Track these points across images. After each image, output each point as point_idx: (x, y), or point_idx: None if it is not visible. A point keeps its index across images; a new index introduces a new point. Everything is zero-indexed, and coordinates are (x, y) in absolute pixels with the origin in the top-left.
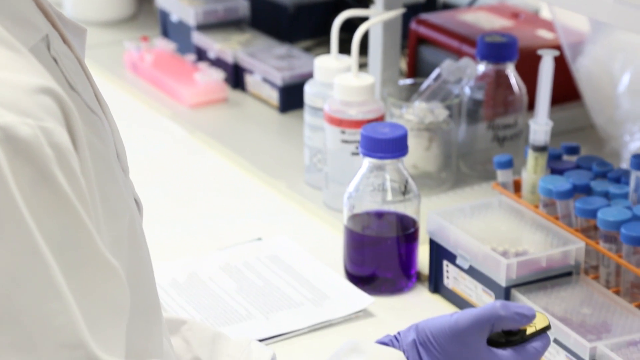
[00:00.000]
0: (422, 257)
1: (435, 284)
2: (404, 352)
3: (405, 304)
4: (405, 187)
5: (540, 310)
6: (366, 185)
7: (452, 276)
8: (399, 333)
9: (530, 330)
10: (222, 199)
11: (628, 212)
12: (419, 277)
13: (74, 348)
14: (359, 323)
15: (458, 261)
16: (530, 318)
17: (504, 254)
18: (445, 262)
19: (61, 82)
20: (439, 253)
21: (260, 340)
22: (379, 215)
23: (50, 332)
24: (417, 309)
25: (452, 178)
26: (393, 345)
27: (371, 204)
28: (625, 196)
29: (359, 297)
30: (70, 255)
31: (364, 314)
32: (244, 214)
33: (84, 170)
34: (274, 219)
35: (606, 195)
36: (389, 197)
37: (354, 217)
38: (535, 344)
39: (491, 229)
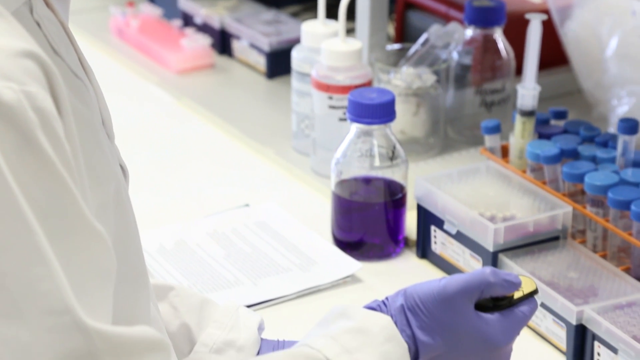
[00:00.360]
0: (410, 223)
1: (423, 249)
2: (392, 317)
3: (393, 270)
4: (393, 152)
5: (527, 274)
6: (354, 151)
7: (439, 241)
8: (387, 298)
9: (517, 294)
10: (209, 165)
11: (615, 176)
12: (406, 242)
13: (60, 313)
14: (347, 289)
15: (446, 226)
16: (517, 285)
17: (492, 219)
18: (432, 228)
19: (44, 47)
20: (426, 218)
21: (248, 306)
22: (367, 181)
23: (36, 298)
24: (405, 274)
25: (440, 143)
26: (381, 311)
27: (359, 170)
28: (612, 160)
29: (347, 263)
30: (56, 221)
31: (351, 279)
32: (231, 181)
33: (68, 136)
34: (261, 185)
35: (593, 159)
36: (377, 162)
37: (341, 183)
38: (523, 308)
39: (479, 194)
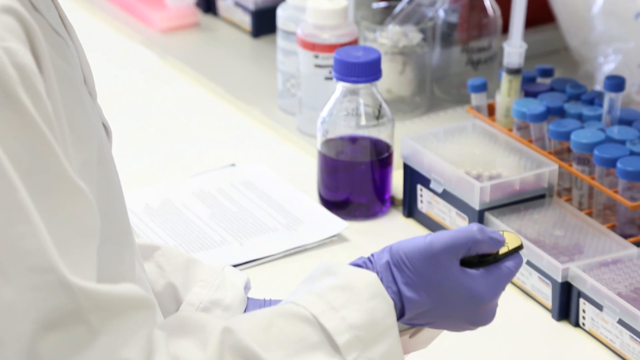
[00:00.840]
0: (396, 182)
1: (409, 208)
2: (377, 273)
3: (379, 229)
4: (379, 111)
5: (512, 231)
6: (340, 110)
7: (426, 200)
8: (372, 255)
9: (502, 250)
10: (194, 125)
11: (601, 134)
12: (393, 201)
13: (44, 271)
14: (333, 248)
15: (432, 185)
16: (503, 243)
17: (478, 177)
18: (419, 187)
19: (24, 3)
20: (412, 177)
21: (235, 266)
22: (353, 140)
23: (19, 256)
24: (391, 233)
25: (426, 102)
26: (366, 267)
27: (345, 129)
28: (598, 118)
29: (333, 222)
30: (38, 178)
31: (338, 238)
32: (217, 140)
33: (49, 92)
34: (247, 145)
35: (580, 117)
36: (363, 121)
37: (327, 142)
38: (508, 264)
39: (465, 153)
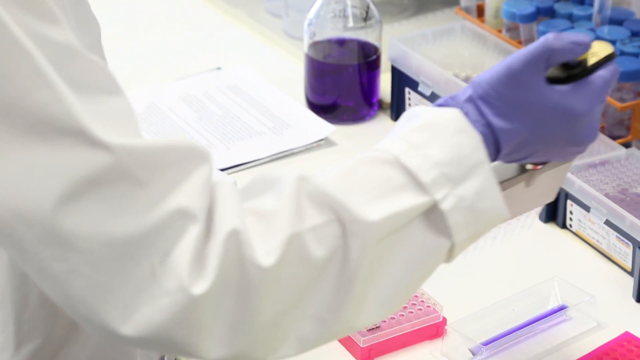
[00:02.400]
0: (384, 85)
1: (397, 111)
2: (461, 109)
3: (367, 133)
4: (367, 13)
5: (603, 40)
6: (327, 12)
7: (414, 103)
8: (453, 94)
9: (592, 60)
10: (179, 28)
11: (591, 34)
12: (380, 105)
13: (74, 134)
14: (321, 152)
15: (420, 88)
16: (586, 46)
17: (466, 79)
18: (407, 90)
19: None
20: (400, 80)
21: (222, 170)
22: (340, 42)
23: (49, 120)
24: (379, 137)
25: (415, 4)
26: (448, 105)
27: (332, 31)
28: (589, 18)
29: (321, 126)
30: (53, 49)
31: (325, 142)
32: (202, 43)
33: None
34: (233, 48)
35: (570, 17)
36: (350, 23)
37: (314, 45)
38: (600, 73)
39: (454, 55)
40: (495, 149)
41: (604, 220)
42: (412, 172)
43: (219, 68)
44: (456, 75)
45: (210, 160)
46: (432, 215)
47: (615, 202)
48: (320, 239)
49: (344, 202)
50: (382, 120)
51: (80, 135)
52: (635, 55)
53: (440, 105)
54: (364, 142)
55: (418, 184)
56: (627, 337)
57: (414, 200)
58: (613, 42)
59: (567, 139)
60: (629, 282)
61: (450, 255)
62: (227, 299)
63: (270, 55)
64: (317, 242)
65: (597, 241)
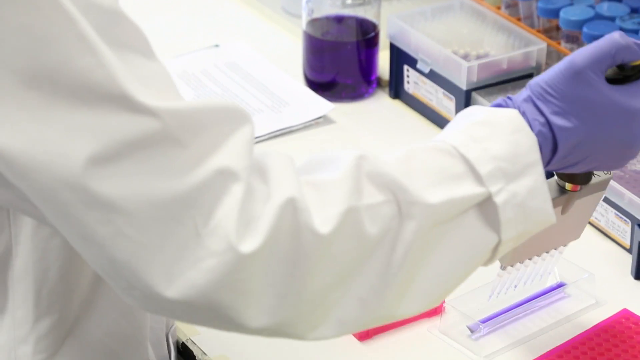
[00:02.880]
0: (383, 63)
1: (396, 89)
2: (518, 109)
3: (366, 110)
4: None
5: None
6: None
7: (412, 81)
8: (511, 96)
9: None
10: (177, 5)
11: (591, 10)
12: (379, 82)
13: (117, 99)
14: (319, 129)
15: (419, 65)
16: None
17: (465, 56)
18: (405, 67)
19: None
20: (399, 58)
21: None
22: (339, 19)
23: (92, 86)
24: (378, 114)
25: None
26: (507, 106)
27: (331, 8)
28: None
29: (319, 104)
30: (97, 11)
31: (324, 120)
32: (199, 21)
33: None
34: (230, 25)
35: None
36: (349, 0)
37: (313, 22)
38: None
39: (452, 32)
40: (552, 149)
41: (603, 197)
42: (471, 163)
43: (217, 45)
44: (455, 53)
45: (251, 122)
46: (486, 208)
47: (613, 179)
48: (375, 217)
49: (404, 183)
50: (381, 98)
51: (124, 101)
52: (635, 32)
53: (498, 105)
54: (363, 119)
55: (476, 176)
56: (625, 314)
57: (471, 189)
58: (612, 19)
59: (622, 140)
60: (628, 260)
61: (493, 255)
62: (277, 262)
63: (268, 32)
64: (372, 221)
65: (596, 218)
